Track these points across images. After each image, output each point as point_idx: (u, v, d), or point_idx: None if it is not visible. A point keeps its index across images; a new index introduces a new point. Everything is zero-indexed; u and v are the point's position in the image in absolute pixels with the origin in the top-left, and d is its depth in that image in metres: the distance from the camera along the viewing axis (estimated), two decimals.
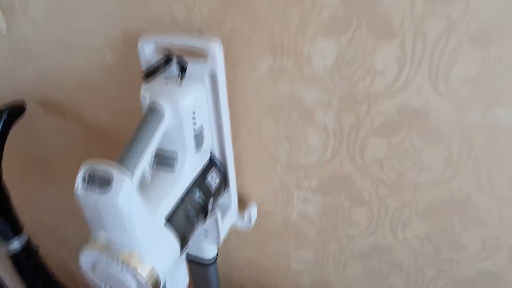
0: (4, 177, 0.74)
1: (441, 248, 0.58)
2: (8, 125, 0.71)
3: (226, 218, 0.63)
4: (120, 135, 0.73)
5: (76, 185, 0.41)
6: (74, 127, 0.77)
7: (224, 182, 0.60)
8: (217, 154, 0.59)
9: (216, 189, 0.58)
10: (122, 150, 0.44)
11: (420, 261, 0.61)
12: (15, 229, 0.78)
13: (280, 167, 0.61)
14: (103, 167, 0.40)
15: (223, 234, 0.62)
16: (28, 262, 0.82)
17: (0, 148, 0.71)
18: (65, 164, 0.85)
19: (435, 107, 0.46)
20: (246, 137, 0.60)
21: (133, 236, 0.43)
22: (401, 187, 0.54)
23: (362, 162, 0.54)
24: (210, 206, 0.57)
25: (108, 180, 0.39)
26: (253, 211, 0.65)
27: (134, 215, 0.41)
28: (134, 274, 0.43)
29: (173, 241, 0.49)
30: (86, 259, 0.46)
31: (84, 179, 0.40)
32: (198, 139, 0.52)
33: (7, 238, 0.78)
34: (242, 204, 0.68)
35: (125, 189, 0.39)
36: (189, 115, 0.49)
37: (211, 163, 0.58)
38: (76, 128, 0.77)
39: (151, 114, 0.48)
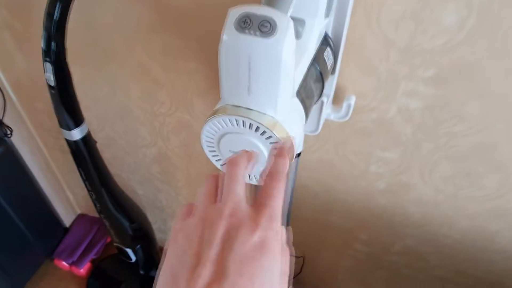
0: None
1: None
2: None
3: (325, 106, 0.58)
4: (202, 22, 0.64)
5: (225, 30, 0.34)
6: (142, 6, 0.68)
7: (334, 65, 0.55)
8: (330, 33, 0.52)
9: (328, 70, 0.53)
10: None
11: None
12: (77, 118, 0.73)
13: (395, 53, 0.55)
14: (264, 10, 0.34)
15: (322, 122, 0.58)
16: (87, 153, 0.78)
17: (63, 22, 0.63)
18: (124, 54, 0.77)
19: None
20: (362, 18, 0.53)
21: (277, 99, 0.38)
22: None
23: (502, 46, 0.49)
24: (323, 86, 0.52)
25: (270, 25, 0.33)
26: (352, 101, 0.60)
27: (288, 72, 0.36)
28: (271, 142, 0.39)
29: (301, 113, 0.44)
30: (211, 129, 0.42)
31: (239, 23, 0.34)
32: (329, 4, 0.45)
33: (68, 128, 0.73)
34: (336, 96, 0.63)
35: (290, 35, 0.34)
36: None
37: (326, 40, 0.52)
38: (145, 8, 0.68)
39: None
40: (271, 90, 0.37)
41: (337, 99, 0.63)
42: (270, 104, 0.38)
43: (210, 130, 0.42)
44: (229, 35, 0.34)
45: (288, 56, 0.34)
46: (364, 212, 0.83)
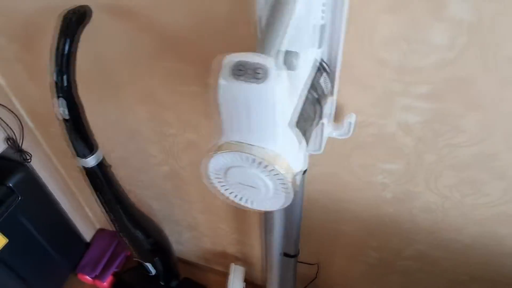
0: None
1: None
2: (76, 30, 0.65)
3: (326, 127, 0.60)
4: (200, 47, 0.67)
5: (222, 76, 0.37)
6: (144, 37, 0.71)
7: (331, 87, 0.56)
8: (325, 59, 0.54)
9: (326, 94, 0.55)
10: (261, 37, 0.40)
11: None
12: (91, 145, 0.77)
13: (389, 72, 0.57)
14: (256, 57, 0.36)
15: (324, 142, 0.60)
16: (103, 177, 0.82)
17: (72, 55, 0.66)
18: (130, 81, 0.81)
19: None
20: (355, 42, 0.55)
21: (275, 133, 0.40)
22: None
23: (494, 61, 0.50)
24: (322, 110, 0.54)
25: (263, 72, 0.36)
26: (353, 119, 0.62)
27: (284, 109, 0.38)
28: (274, 174, 0.42)
29: (301, 140, 0.46)
30: (217, 163, 0.44)
31: (233, 70, 0.36)
32: (322, 36, 0.47)
33: (84, 156, 0.77)
34: (337, 114, 0.65)
35: (283, 79, 0.36)
36: (319, 6, 0.44)
37: (322, 66, 0.54)
38: (146, 38, 0.71)
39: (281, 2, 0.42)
40: (269, 127, 0.39)
41: (338, 117, 0.65)
42: (269, 138, 0.40)
43: (216, 164, 0.44)
44: (226, 81, 0.37)
45: (281, 97, 0.37)
46: (372, 220, 0.84)
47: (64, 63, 0.65)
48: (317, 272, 1.10)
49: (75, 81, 0.69)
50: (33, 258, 1.18)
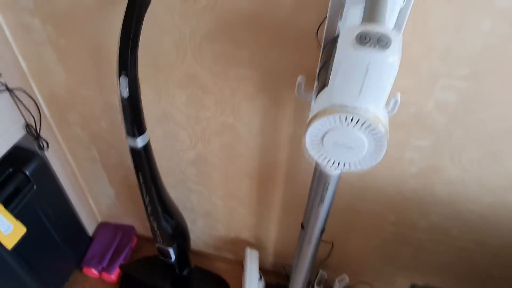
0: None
1: None
2: (142, 11, 0.68)
3: None
4: (257, 32, 0.72)
5: (346, 44, 0.43)
6: (204, 19, 0.75)
7: None
8: None
9: None
10: (369, 12, 0.47)
11: None
12: (141, 127, 0.79)
13: (435, 56, 0.65)
14: (379, 28, 0.42)
15: None
16: (146, 159, 0.84)
17: (137, 35, 0.68)
18: (174, 64, 0.83)
19: None
20: (408, 28, 0.63)
21: (382, 97, 0.47)
22: None
23: None
24: None
25: (387, 40, 0.42)
26: (398, 97, 0.70)
27: (394, 74, 0.45)
28: (375, 133, 0.48)
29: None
30: (317, 128, 0.50)
31: (360, 39, 0.42)
32: (399, 18, 0.55)
33: (134, 135, 0.78)
34: None
35: (400, 48, 0.42)
36: None
37: None
38: (206, 21, 0.75)
39: None
40: (381, 91, 0.46)
41: None
42: (377, 101, 0.47)
43: (318, 126, 0.50)
44: (352, 47, 0.43)
45: (398, 63, 0.43)
46: (395, 196, 0.93)
47: (131, 42, 0.67)
48: (331, 251, 1.17)
49: (137, 61, 0.71)
50: (43, 250, 1.15)
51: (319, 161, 0.54)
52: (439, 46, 0.64)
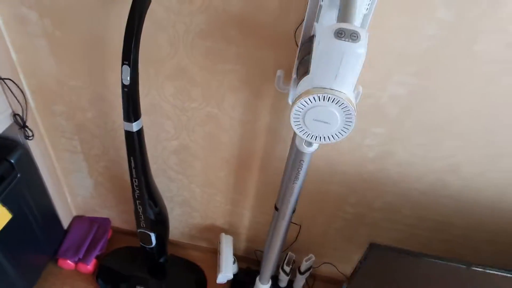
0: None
1: None
2: (144, 7, 0.77)
3: None
4: (246, 30, 0.84)
5: (325, 37, 0.56)
6: (199, 18, 0.85)
7: None
8: None
9: None
10: (342, 13, 0.60)
11: None
12: (137, 113, 0.87)
13: (390, 55, 0.81)
14: (352, 26, 0.56)
15: None
16: (138, 144, 0.92)
17: (140, 30, 0.78)
18: (166, 58, 0.93)
19: None
20: (369, 31, 0.78)
21: (352, 82, 0.60)
22: None
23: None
24: None
25: (357, 35, 0.56)
26: (360, 89, 0.85)
27: (362, 63, 0.59)
28: (347, 111, 0.62)
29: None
30: (300, 107, 0.63)
31: (336, 33, 0.56)
32: (362, 23, 0.69)
33: (130, 120, 0.87)
34: None
35: (367, 41, 0.56)
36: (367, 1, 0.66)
37: None
38: (201, 19, 0.85)
39: None
40: (353, 76, 0.59)
41: None
42: (348, 85, 0.60)
43: (302, 105, 0.62)
44: (330, 40, 0.56)
45: (365, 53, 0.57)
46: (356, 178, 1.08)
47: (134, 36, 0.76)
48: (298, 233, 1.30)
49: (138, 53, 0.80)
50: (22, 240, 1.17)
51: (301, 135, 0.67)
52: (393, 47, 0.80)
